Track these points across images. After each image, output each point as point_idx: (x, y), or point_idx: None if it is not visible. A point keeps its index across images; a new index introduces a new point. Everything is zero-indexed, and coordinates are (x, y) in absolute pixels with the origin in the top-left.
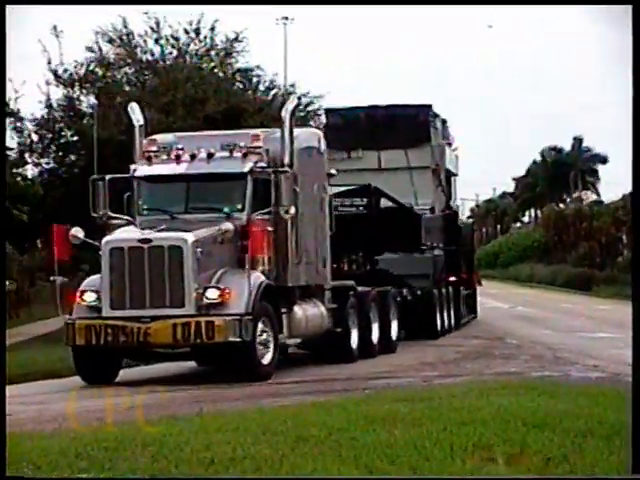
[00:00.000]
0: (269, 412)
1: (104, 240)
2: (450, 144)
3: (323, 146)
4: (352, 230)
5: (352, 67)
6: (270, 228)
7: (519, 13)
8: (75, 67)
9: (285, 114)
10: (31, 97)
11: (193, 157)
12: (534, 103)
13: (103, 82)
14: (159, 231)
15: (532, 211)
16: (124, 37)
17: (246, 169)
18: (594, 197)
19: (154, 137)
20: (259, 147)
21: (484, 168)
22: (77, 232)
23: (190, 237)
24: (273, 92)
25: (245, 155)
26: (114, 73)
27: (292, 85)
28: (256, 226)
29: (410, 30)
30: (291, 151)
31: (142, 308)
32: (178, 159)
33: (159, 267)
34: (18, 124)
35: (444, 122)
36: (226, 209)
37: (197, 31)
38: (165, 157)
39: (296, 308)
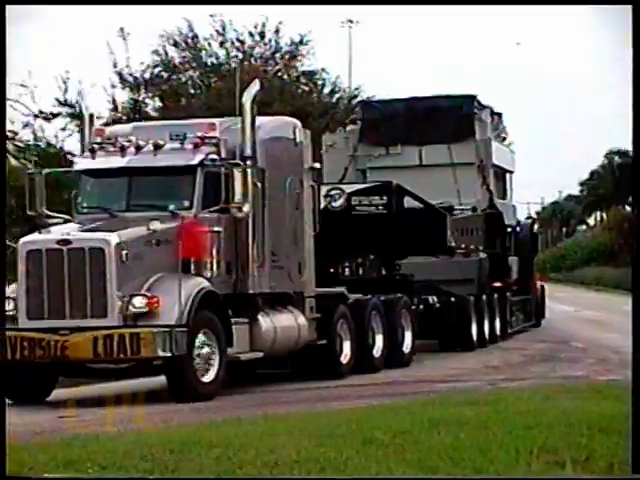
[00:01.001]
0: (334, 415)
1: (20, 241)
2: (504, 138)
3: (300, 137)
4: (369, 232)
5: (415, 68)
6: (219, 228)
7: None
8: (141, 70)
9: (246, 100)
10: (96, 99)
11: (139, 149)
12: (600, 105)
13: (168, 85)
14: (83, 231)
15: (598, 214)
16: (189, 40)
17: (195, 161)
18: None
19: (103, 127)
20: (214, 137)
21: (549, 170)
22: None
23: (113, 238)
24: (338, 95)
25: (196, 146)
26: (179, 76)
27: (357, 88)
28: (198, 225)
29: (476, 30)
30: (253, 142)
31: (62, 318)
32: (123, 151)
33: (79, 272)
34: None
35: (497, 115)
36: (172, 206)
37: (262, 34)
38: (111, 149)
39: (261, 318)
